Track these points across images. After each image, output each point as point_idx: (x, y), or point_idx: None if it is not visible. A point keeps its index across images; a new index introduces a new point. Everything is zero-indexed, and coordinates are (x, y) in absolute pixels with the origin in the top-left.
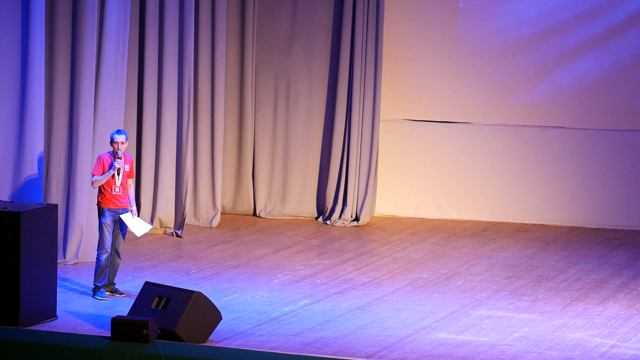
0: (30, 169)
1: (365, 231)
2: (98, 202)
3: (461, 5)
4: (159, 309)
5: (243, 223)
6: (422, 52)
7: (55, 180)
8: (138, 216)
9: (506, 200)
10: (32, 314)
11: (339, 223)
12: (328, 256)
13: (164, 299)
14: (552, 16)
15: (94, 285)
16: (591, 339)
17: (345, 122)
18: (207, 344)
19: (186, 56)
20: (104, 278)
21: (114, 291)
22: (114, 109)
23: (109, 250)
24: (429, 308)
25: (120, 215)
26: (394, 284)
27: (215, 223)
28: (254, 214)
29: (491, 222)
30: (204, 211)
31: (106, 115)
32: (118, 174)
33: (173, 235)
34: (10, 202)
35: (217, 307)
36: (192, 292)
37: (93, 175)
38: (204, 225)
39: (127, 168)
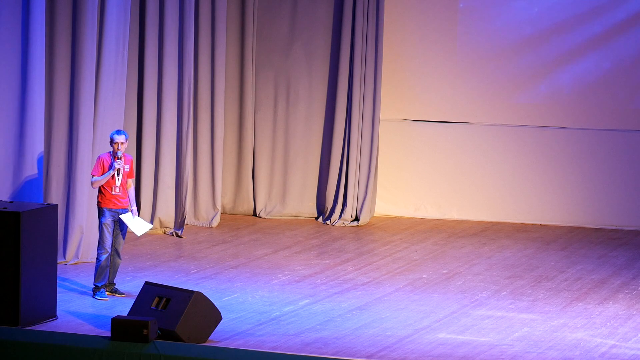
0: (30, 169)
1: (365, 231)
2: (98, 202)
3: (461, 5)
4: (159, 309)
5: (243, 223)
6: (422, 52)
7: (55, 180)
8: (138, 216)
9: (506, 200)
10: (32, 314)
11: (339, 223)
12: (328, 256)
13: (164, 299)
14: (552, 16)
15: (94, 285)
16: (591, 339)
17: (345, 122)
18: (207, 344)
19: (186, 56)
20: (104, 278)
21: (114, 291)
22: (114, 109)
23: (109, 250)
24: (429, 308)
25: (120, 216)
26: (394, 284)
27: (215, 223)
28: (254, 214)
29: (491, 222)
30: (204, 211)
31: (106, 115)
32: (118, 175)
33: (173, 235)
34: (10, 202)
35: (217, 307)
36: (192, 292)
37: (93, 176)
38: (204, 225)
39: (126, 168)
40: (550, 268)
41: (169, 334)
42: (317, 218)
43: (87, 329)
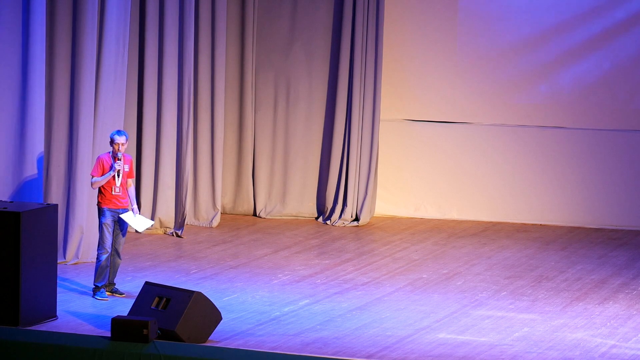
0: (30, 169)
1: (365, 231)
2: (98, 202)
3: (461, 5)
4: (159, 309)
5: (243, 223)
6: (422, 52)
7: (55, 180)
8: (139, 213)
9: (506, 200)
10: (32, 314)
11: (339, 223)
12: (328, 256)
13: (164, 299)
14: (552, 16)
15: (94, 285)
16: (591, 339)
17: (345, 122)
18: (207, 344)
19: (186, 56)
20: (104, 278)
21: (114, 291)
22: (114, 108)
23: (109, 250)
24: (429, 308)
25: (121, 215)
26: (394, 284)
27: (215, 223)
28: (254, 214)
29: (491, 222)
30: (204, 211)
31: (106, 115)
32: (118, 175)
33: (173, 235)
34: (10, 202)
35: (217, 307)
36: (192, 292)
37: (92, 176)
38: (204, 225)
39: (126, 168)
40: (550, 268)
41: (169, 334)
42: (317, 218)
43: (87, 329)
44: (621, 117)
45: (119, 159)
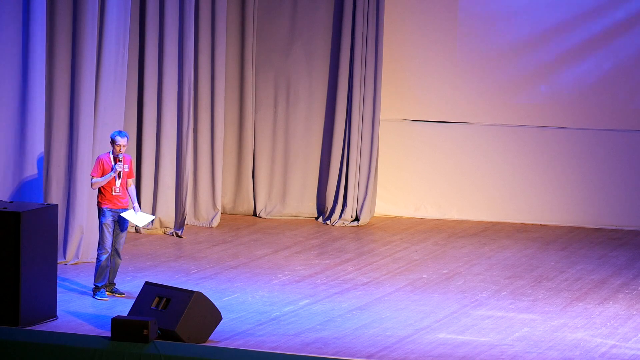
0: (30, 169)
1: (365, 231)
2: (98, 202)
3: (461, 5)
4: (159, 309)
5: (243, 223)
6: (422, 52)
7: (55, 180)
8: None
9: (506, 200)
10: (32, 314)
11: (339, 223)
12: (328, 256)
13: (164, 299)
14: (552, 16)
15: (94, 285)
16: (591, 339)
17: (345, 122)
18: (207, 344)
19: (186, 56)
20: (104, 278)
21: (114, 291)
22: (114, 108)
23: (109, 250)
24: (429, 308)
25: (122, 214)
26: (394, 284)
27: (215, 223)
28: (254, 214)
29: (491, 222)
30: (204, 211)
31: (106, 115)
32: (118, 177)
33: (173, 235)
34: (10, 202)
35: (217, 307)
36: (192, 292)
37: (92, 177)
38: (204, 225)
39: (126, 168)
40: (550, 268)
41: (169, 334)
42: (317, 218)
43: (87, 329)
44: (621, 117)
45: (119, 160)
